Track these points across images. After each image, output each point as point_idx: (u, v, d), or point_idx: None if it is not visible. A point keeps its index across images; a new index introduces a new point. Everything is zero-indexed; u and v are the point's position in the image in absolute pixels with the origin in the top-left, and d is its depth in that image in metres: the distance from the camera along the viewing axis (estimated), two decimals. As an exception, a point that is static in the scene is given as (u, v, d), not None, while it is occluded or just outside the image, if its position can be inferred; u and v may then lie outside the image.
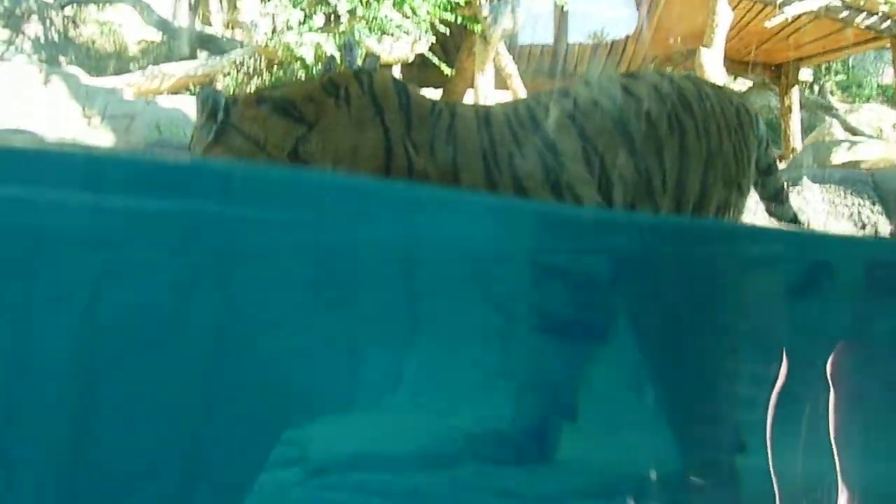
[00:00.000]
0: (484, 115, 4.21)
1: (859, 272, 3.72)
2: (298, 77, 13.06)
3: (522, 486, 3.28)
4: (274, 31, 13.13)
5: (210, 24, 20.11)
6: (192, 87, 14.19)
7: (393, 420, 3.61)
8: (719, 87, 4.83)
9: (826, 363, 3.60)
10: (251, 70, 14.15)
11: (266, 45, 13.41)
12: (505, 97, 12.79)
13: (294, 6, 12.73)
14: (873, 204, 6.14)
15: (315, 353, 3.62)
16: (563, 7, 14.03)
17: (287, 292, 3.70)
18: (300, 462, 3.36)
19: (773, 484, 3.50)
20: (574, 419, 3.50)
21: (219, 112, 4.04)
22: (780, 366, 3.48)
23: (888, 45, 13.99)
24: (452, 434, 3.48)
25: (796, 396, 3.48)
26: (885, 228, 6.14)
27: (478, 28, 12.84)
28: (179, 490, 3.62)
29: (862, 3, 13.01)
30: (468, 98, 13.78)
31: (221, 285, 3.86)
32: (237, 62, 14.37)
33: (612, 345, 3.46)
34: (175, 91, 14.33)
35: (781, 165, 10.70)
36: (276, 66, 13.85)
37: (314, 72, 12.63)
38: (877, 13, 13.09)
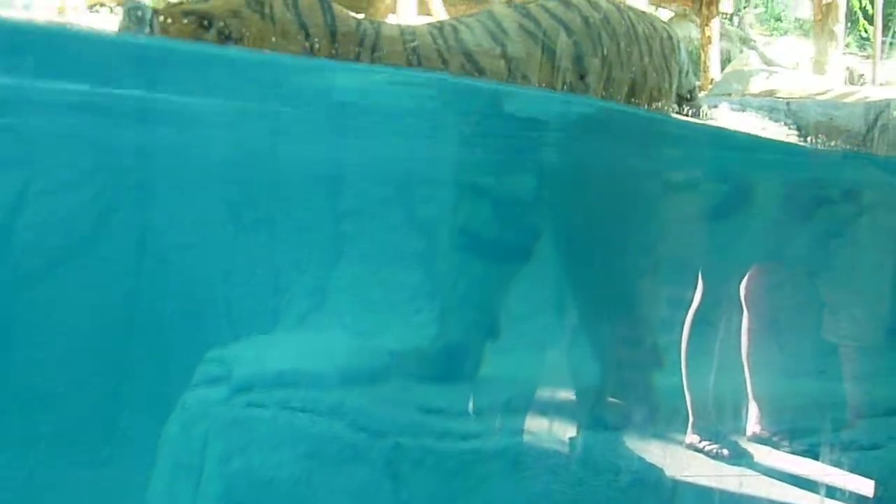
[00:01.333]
0: (410, 33, 4.16)
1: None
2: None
3: (445, 403, 3.32)
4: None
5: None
6: (110, 2, 13.70)
7: (318, 338, 3.63)
8: (643, 13, 4.84)
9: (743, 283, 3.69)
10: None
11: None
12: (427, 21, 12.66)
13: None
14: (789, 131, 6.28)
15: (240, 272, 3.61)
16: (487, -69, 13.87)
17: (208, 210, 3.69)
18: (225, 380, 3.36)
19: (687, 400, 3.60)
20: (496, 337, 3.54)
21: (145, 26, 3.93)
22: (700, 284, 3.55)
23: (806, -22, 14.18)
24: (377, 352, 3.51)
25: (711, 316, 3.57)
26: (800, 156, 6.28)
27: (401, -49, 12.64)
28: (102, 408, 3.61)
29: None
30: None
31: (143, 202, 3.83)
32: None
33: (535, 264, 3.50)
34: (93, 5, 13.84)
35: (701, 94, 10.82)
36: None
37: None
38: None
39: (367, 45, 4.14)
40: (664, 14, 17.25)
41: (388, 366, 3.45)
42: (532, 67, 4.19)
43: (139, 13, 4.00)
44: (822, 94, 8.17)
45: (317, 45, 4.08)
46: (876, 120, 5.86)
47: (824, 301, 3.81)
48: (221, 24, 4.05)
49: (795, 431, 3.64)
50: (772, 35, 21.07)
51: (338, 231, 3.87)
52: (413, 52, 4.23)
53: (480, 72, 4.15)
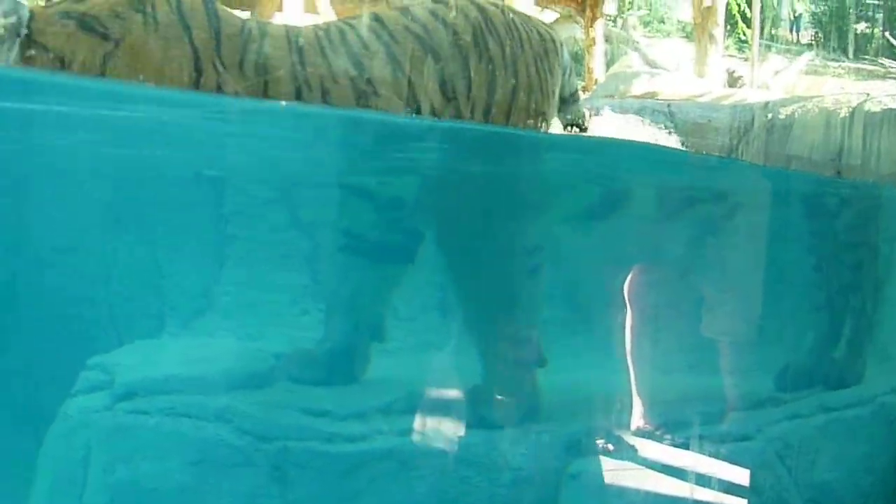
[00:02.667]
0: (295, 34, 4.16)
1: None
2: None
3: (332, 405, 3.33)
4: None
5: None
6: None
7: (203, 343, 3.60)
8: (526, 16, 4.92)
9: (622, 282, 3.77)
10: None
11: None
12: (313, 20, 12.61)
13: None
14: (669, 133, 6.44)
15: (121, 275, 3.56)
16: (374, -69, 13.87)
17: (85, 213, 3.62)
18: (107, 387, 3.30)
19: (573, 397, 3.66)
20: (381, 339, 3.56)
21: (21, 27, 3.84)
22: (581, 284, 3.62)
23: (688, -18, 14.53)
24: (263, 355, 3.49)
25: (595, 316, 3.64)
26: (680, 156, 6.46)
27: (287, -51, 12.53)
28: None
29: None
30: (276, 20, 13.49)
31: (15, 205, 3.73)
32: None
33: (419, 266, 3.52)
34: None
35: (584, 96, 11.01)
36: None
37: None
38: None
39: (252, 47, 4.12)
40: (549, 16, 17.49)
41: (274, 369, 3.44)
42: (417, 72, 4.22)
43: (16, 15, 3.89)
44: (701, 96, 8.39)
45: (200, 47, 4.04)
46: (751, 122, 6.05)
47: (699, 299, 3.93)
48: (103, 25, 3.98)
49: (675, 424, 3.72)
50: (655, 37, 21.52)
51: (222, 233, 3.84)
52: (299, 52, 4.23)
53: (363, 73, 4.16)
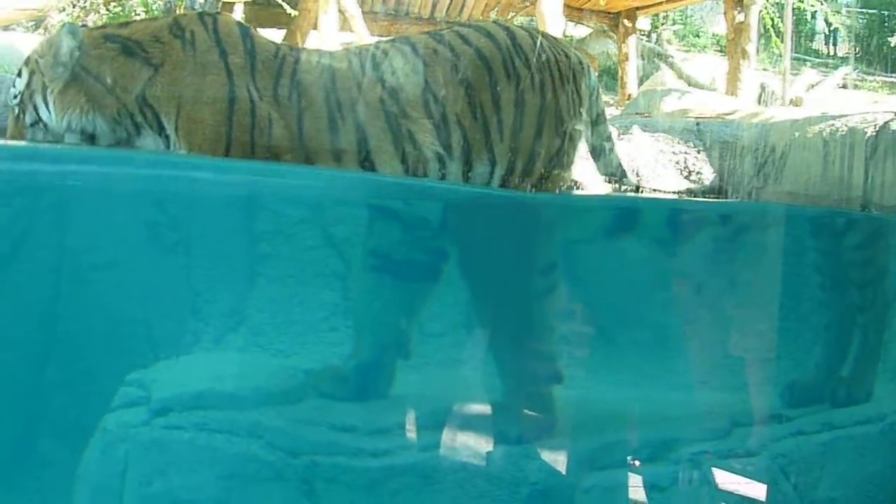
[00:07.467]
0: (327, 59, 4.25)
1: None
2: (136, 13, 12.69)
3: (359, 421, 3.41)
4: (112, -36, 12.66)
5: (44, -45, 19.14)
6: (24, 21, 13.54)
7: (235, 359, 3.70)
8: (554, 38, 5.00)
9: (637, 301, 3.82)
10: (88, 4, 13.63)
11: (104, -21, 12.92)
12: (348, 38, 12.74)
13: (134, -62, 12.28)
14: (698, 152, 6.48)
15: (157, 293, 3.66)
16: (408, -52, 13.99)
17: (126, 233, 3.72)
18: (144, 402, 3.40)
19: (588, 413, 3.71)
20: (407, 357, 3.63)
21: (77, 50, 3.96)
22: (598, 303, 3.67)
23: (721, -3, 14.50)
24: (293, 372, 3.58)
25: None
26: (708, 176, 6.48)
27: (323, -33, 12.66)
28: (21, 433, 3.62)
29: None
30: (311, 38, 13.64)
31: (58, 226, 3.85)
32: (73, -5, 13.78)
33: (443, 286, 3.60)
34: (7, 25, 13.62)
35: (617, 112, 11.05)
36: (113, 1, 13.37)
37: (154, 8, 12.29)
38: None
39: (287, 72, 4.23)
40: (582, 31, 17.53)
41: (303, 385, 3.53)
42: (447, 95, 4.31)
43: (75, 38, 4.00)
44: (731, 114, 8.40)
45: (235, 72, 4.15)
46: (778, 141, 6.07)
47: (709, 316, 3.96)
48: (145, 50, 4.09)
49: (682, 440, 3.73)
50: (689, 51, 21.45)
51: (254, 251, 3.93)
52: (331, 77, 4.32)
53: (396, 100, 4.25)
